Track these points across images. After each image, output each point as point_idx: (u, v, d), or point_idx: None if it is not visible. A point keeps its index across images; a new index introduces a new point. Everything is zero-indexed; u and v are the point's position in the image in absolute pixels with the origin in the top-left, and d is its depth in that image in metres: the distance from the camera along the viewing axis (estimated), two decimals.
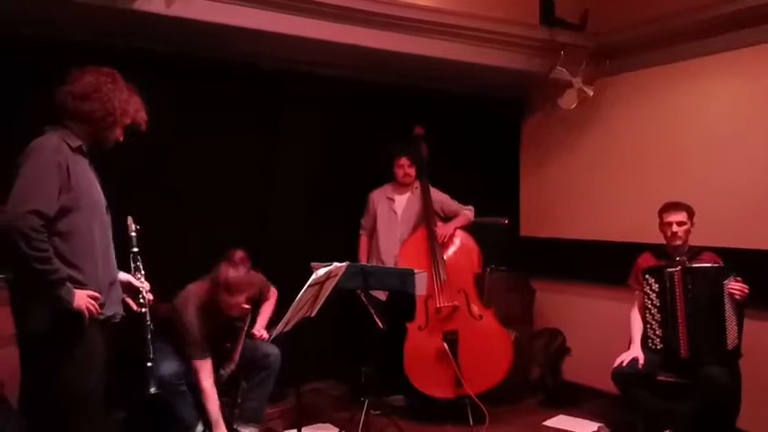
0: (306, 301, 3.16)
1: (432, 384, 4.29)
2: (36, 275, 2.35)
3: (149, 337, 2.86)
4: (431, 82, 5.11)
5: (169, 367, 3.48)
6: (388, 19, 4.17)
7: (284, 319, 3.08)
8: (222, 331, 3.66)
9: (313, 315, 3.34)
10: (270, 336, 3.74)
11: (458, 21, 4.39)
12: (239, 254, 3.59)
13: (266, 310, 3.95)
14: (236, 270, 3.49)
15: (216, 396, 3.54)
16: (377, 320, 3.92)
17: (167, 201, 4.17)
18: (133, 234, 2.99)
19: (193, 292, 3.61)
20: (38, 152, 2.43)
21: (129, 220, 3.02)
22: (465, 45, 4.52)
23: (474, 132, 5.47)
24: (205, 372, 3.52)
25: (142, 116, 2.71)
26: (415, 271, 4.01)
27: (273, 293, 4.00)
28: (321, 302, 3.35)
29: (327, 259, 3.42)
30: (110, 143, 2.68)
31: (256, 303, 3.89)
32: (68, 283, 2.41)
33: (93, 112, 2.56)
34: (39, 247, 2.33)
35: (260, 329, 3.83)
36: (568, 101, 4.90)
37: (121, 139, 2.70)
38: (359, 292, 4.06)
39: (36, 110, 2.68)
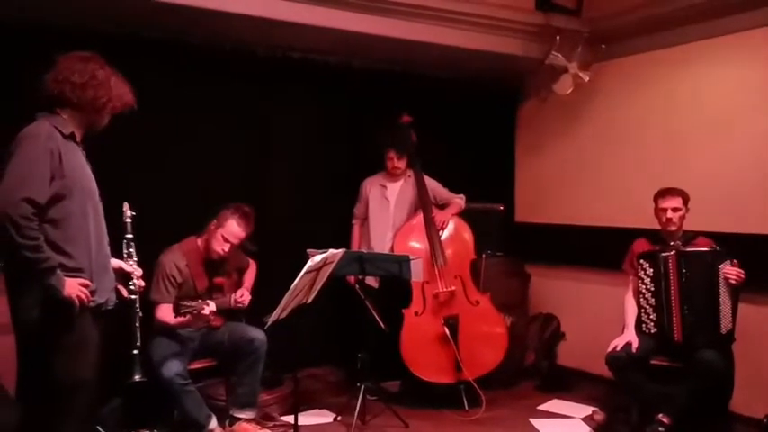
0: (302, 288, 3.17)
1: (430, 370, 4.30)
2: (27, 264, 2.35)
3: (137, 324, 2.87)
4: (425, 68, 5.08)
5: (174, 367, 3.49)
6: (382, 4, 4.14)
7: (280, 306, 3.08)
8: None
9: (309, 302, 3.35)
10: (250, 298, 3.85)
11: (452, 5, 4.37)
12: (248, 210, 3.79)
13: (248, 278, 4.06)
14: (241, 223, 3.72)
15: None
16: (379, 322, 3.94)
17: (158, 188, 4.15)
18: (128, 220, 2.99)
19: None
20: (29, 139, 2.42)
21: (125, 206, 3.02)
22: (459, 30, 4.49)
23: (469, 119, 5.45)
24: (161, 312, 3.63)
25: (131, 98, 2.70)
26: (411, 257, 4.03)
27: (253, 264, 4.12)
28: (317, 289, 3.35)
29: (319, 246, 3.42)
30: (100, 128, 2.67)
31: (240, 272, 4.03)
32: (59, 272, 2.41)
33: (95, 100, 2.55)
34: (29, 236, 2.33)
35: (242, 291, 3.88)
36: (564, 86, 4.89)
37: (107, 123, 2.69)
38: (357, 287, 4.11)
39: (26, 96, 2.66)
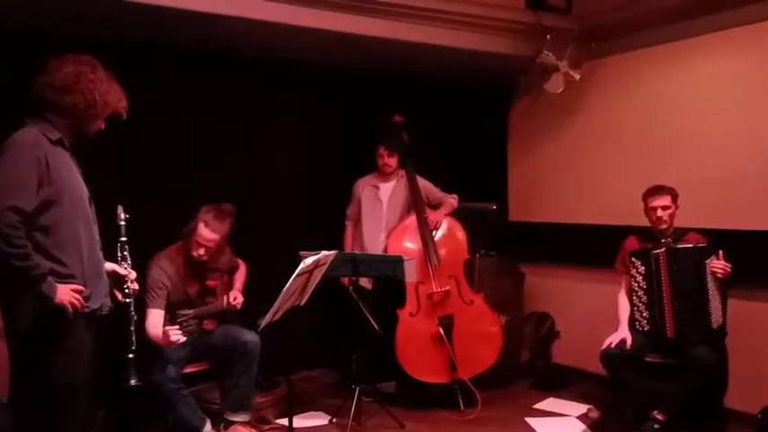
0: (294, 290, 3.16)
1: (425, 370, 4.30)
2: (16, 272, 2.33)
3: (132, 328, 2.86)
4: (417, 68, 5.09)
5: (168, 371, 3.48)
6: (372, 4, 4.14)
7: (273, 309, 3.07)
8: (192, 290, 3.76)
9: (303, 304, 3.35)
10: (243, 300, 3.82)
11: (442, 5, 4.37)
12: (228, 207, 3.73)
13: (239, 279, 4.02)
14: (211, 224, 3.63)
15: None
16: (373, 324, 3.94)
17: (153, 190, 4.14)
18: (122, 223, 2.97)
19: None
20: (15, 147, 2.41)
21: (119, 209, 3.00)
22: (450, 30, 4.50)
23: (461, 118, 5.46)
24: (150, 319, 3.56)
25: (123, 105, 2.67)
26: (405, 258, 4.02)
27: (242, 264, 4.07)
28: (310, 291, 3.35)
29: (310, 248, 3.41)
30: (92, 134, 2.65)
31: (230, 273, 4.01)
32: (50, 278, 2.39)
33: (74, 105, 2.51)
34: (17, 244, 2.32)
35: (235, 293, 3.85)
36: (555, 85, 4.89)
37: (102, 127, 2.66)
38: (351, 289, 4.12)
39: (17, 100, 2.63)
